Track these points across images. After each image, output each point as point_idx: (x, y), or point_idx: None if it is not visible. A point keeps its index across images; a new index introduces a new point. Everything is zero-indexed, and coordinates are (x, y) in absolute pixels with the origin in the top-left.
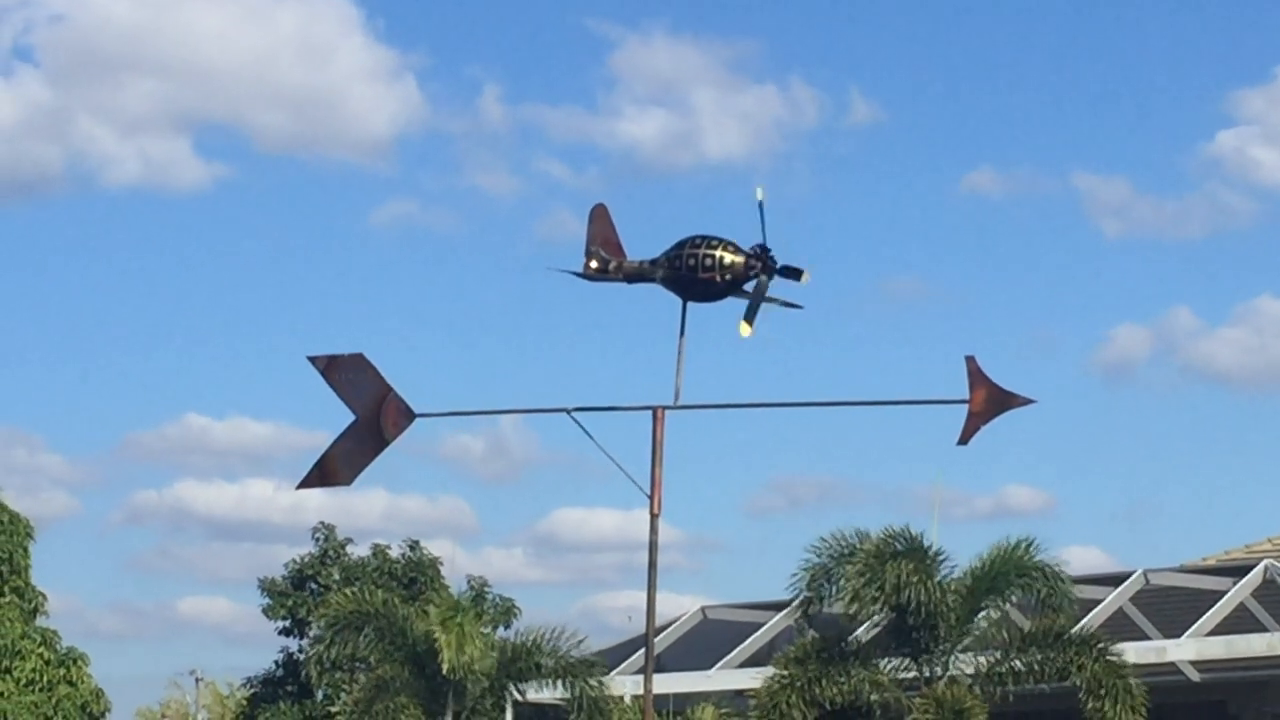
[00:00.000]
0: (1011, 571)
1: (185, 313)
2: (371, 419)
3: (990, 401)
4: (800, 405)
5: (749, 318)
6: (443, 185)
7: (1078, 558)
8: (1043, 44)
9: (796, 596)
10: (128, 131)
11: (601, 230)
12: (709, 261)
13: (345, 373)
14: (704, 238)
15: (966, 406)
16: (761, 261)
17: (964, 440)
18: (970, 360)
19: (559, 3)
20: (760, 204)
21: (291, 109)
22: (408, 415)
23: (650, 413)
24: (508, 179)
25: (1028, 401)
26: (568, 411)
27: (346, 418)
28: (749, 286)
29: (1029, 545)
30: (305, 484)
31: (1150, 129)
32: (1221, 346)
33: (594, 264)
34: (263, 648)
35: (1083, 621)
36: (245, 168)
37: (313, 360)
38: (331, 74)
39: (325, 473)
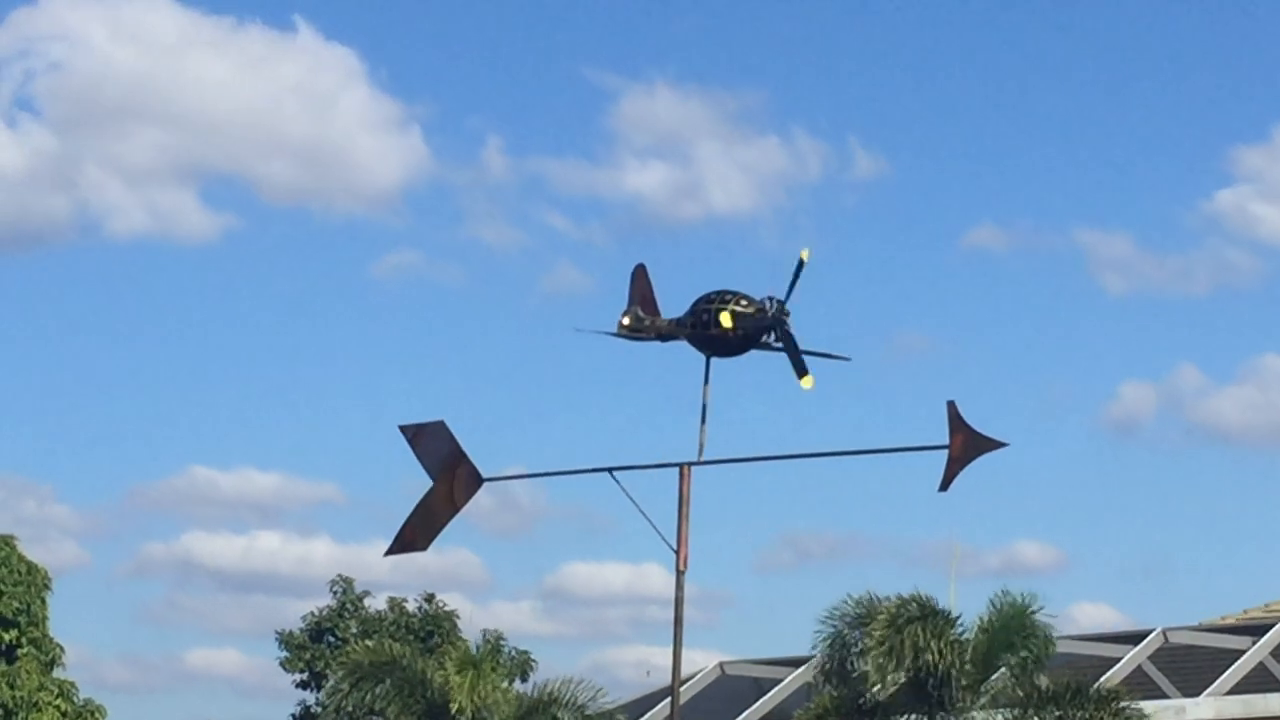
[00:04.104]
0: (1019, 629)
1: (191, 363)
2: (445, 485)
3: (968, 446)
4: (796, 458)
5: (799, 371)
6: (447, 237)
7: (1089, 615)
8: (1044, 98)
9: (821, 663)
10: (134, 181)
11: (641, 290)
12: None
13: (427, 441)
14: (719, 293)
15: (947, 452)
16: (770, 315)
17: (944, 486)
18: (951, 405)
19: (560, 53)
20: (801, 263)
21: (297, 160)
22: (476, 480)
23: (676, 469)
24: (511, 231)
25: (1000, 444)
26: (609, 471)
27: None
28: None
29: (1032, 604)
30: (391, 551)
31: (1151, 185)
32: (1228, 404)
33: (627, 321)
34: (274, 700)
35: (1102, 679)
36: (252, 219)
37: (403, 429)
38: (336, 124)
39: (404, 540)
